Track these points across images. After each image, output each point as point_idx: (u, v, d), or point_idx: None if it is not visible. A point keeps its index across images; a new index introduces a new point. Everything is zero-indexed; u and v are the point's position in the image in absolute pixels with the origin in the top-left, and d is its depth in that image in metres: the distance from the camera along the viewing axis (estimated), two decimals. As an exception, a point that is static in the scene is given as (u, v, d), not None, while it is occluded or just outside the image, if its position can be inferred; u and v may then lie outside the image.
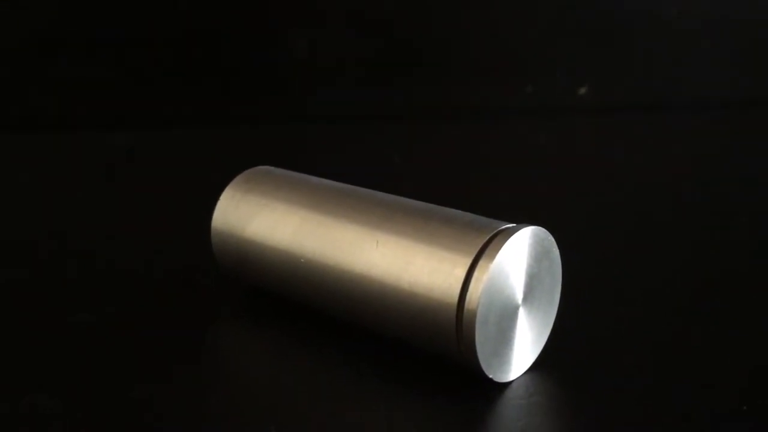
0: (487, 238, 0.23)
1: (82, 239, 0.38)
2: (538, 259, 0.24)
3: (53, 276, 0.33)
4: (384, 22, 0.64)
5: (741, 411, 0.23)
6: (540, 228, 0.24)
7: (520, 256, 0.23)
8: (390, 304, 0.24)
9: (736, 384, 0.24)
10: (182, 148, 0.56)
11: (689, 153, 0.54)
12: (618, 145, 0.57)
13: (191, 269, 0.32)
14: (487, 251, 0.22)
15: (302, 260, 0.26)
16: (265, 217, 0.28)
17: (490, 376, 0.23)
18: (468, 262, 0.22)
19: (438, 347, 0.23)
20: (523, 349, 0.24)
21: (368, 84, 0.64)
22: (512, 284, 0.23)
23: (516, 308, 0.23)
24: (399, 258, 0.24)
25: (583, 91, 0.65)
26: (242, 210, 0.29)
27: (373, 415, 0.23)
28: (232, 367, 0.26)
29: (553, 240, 0.24)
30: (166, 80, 0.63)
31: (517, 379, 0.24)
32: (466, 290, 0.22)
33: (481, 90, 0.64)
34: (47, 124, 0.61)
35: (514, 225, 0.23)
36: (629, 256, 0.35)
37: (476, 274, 0.22)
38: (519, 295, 0.23)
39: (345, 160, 0.51)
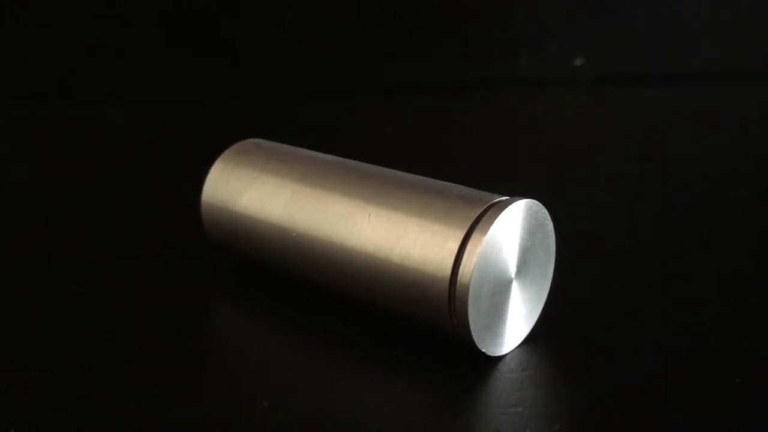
0: (480, 211, 0.23)
1: (70, 212, 0.37)
2: (531, 232, 0.23)
3: (41, 249, 0.33)
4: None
5: (734, 384, 0.23)
6: (534, 201, 0.23)
7: (513, 229, 0.23)
8: (382, 277, 0.24)
9: (730, 358, 0.24)
10: (171, 121, 0.56)
11: (686, 125, 0.54)
12: (614, 117, 0.57)
13: (181, 243, 0.32)
14: (480, 224, 0.22)
15: (293, 234, 0.26)
16: (255, 191, 0.27)
17: (483, 350, 0.23)
18: (461, 235, 0.22)
19: (430, 321, 0.23)
20: (517, 322, 0.24)
21: (360, 56, 0.64)
22: (505, 257, 0.23)
23: (509, 282, 0.23)
24: (391, 231, 0.24)
25: (579, 62, 0.64)
26: (233, 183, 0.28)
27: (365, 389, 0.23)
28: (222, 342, 0.26)
29: (547, 213, 0.24)
30: (156, 53, 0.62)
31: (510, 352, 0.24)
32: (459, 264, 0.22)
33: (475, 62, 0.64)
34: (32, 97, 0.60)
35: (508, 198, 0.23)
36: (624, 229, 0.35)
37: (469, 247, 0.22)
38: (512, 269, 0.23)
39: (336, 132, 0.50)
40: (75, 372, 0.24)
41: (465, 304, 0.22)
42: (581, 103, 0.61)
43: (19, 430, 0.21)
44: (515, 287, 0.23)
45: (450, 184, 0.25)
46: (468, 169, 0.41)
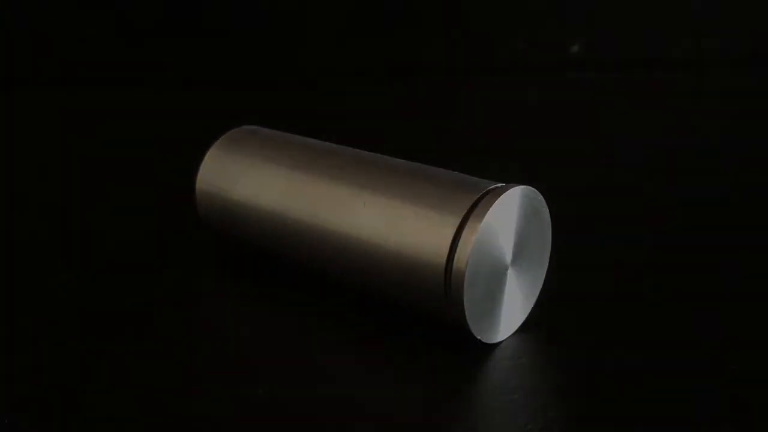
0: (476, 197, 0.22)
1: (65, 198, 0.37)
2: (527, 219, 0.23)
3: (36, 234, 0.32)
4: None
5: (729, 371, 0.23)
6: (530, 188, 0.23)
7: (509, 216, 0.23)
8: (378, 264, 0.24)
9: (725, 344, 0.24)
10: (166, 108, 0.55)
11: (683, 111, 0.53)
12: (610, 103, 0.56)
13: (176, 229, 0.32)
14: (476, 211, 0.22)
15: (288, 221, 0.26)
16: (250, 178, 0.27)
17: (479, 338, 0.23)
18: (456, 222, 0.22)
19: (426, 308, 0.23)
20: (512, 309, 0.24)
21: (354, 41, 0.63)
22: (501, 245, 0.23)
23: (505, 269, 0.23)
24: (386, 218, 0.24)
25: (575, 48, 0.64)
26: (228, 170, 0.28)
27: (361, 377, 0.23)
28: (218, 328, 0.26)
29: (542, 200, 0.24)
30: (151, 39, 0.62)
31: (506, 339, 0.24)
32: (455, 251, 0.22)
33: (472, 47, 0.64)
34: (27, 81, 0.60)
35: (504, 185, 0.23)
36: (620, 216, 0.35)
37: (465, 234, 0.22)
38: (508, 256, 0.23)
39: (331, 118, 0.50)
40: (66, 357, 0.23)
41: (461, 291, 0.22)
42: (578, 89, 0.60)
43: (16, 428, 0.21)
44: (511, 274, 0.23)
45: (445, 170, 0.25)
46: (464, 155, 0.41)
